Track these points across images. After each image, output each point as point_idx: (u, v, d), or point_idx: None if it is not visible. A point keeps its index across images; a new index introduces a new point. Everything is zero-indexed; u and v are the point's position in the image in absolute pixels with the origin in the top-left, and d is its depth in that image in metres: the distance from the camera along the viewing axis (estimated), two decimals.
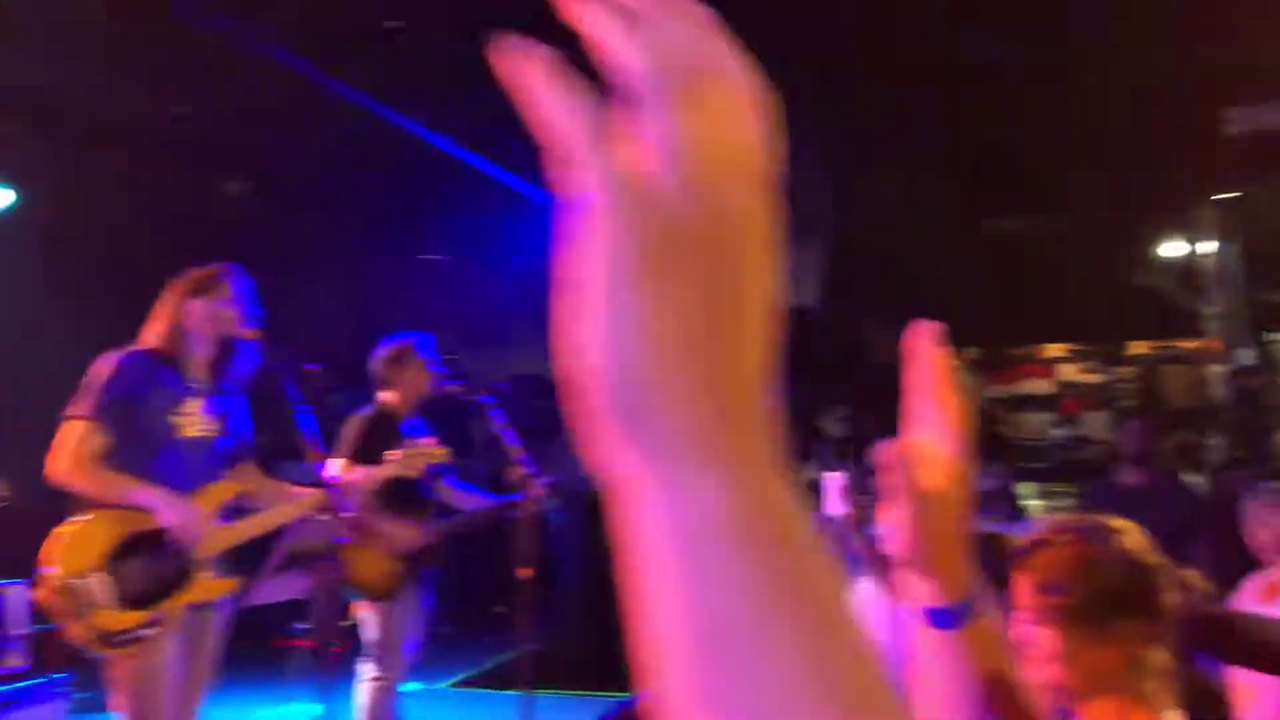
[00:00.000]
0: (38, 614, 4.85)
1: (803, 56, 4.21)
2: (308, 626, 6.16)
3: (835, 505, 3.55)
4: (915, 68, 5.02)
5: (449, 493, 4.13)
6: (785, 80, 0.52)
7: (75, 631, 2.78)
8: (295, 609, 3.73)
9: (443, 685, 5.13)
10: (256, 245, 5.89)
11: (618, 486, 0.39)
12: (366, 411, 3.96)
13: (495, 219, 7.28)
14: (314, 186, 7.01)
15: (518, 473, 3.81)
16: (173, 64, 5.41)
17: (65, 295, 6.11)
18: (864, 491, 3.57)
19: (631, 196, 0.40)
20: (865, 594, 3.47)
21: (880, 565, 3.41)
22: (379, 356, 4.04)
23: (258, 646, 3.27)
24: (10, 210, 5.87)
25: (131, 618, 2.83)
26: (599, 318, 0.39)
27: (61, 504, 2.91)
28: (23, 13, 4.71)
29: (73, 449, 2.88)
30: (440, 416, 4.23)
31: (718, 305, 0.39)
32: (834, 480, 3.57)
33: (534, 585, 3.69)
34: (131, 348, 3.06)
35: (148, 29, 4.97)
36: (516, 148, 6.84)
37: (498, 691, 4.94)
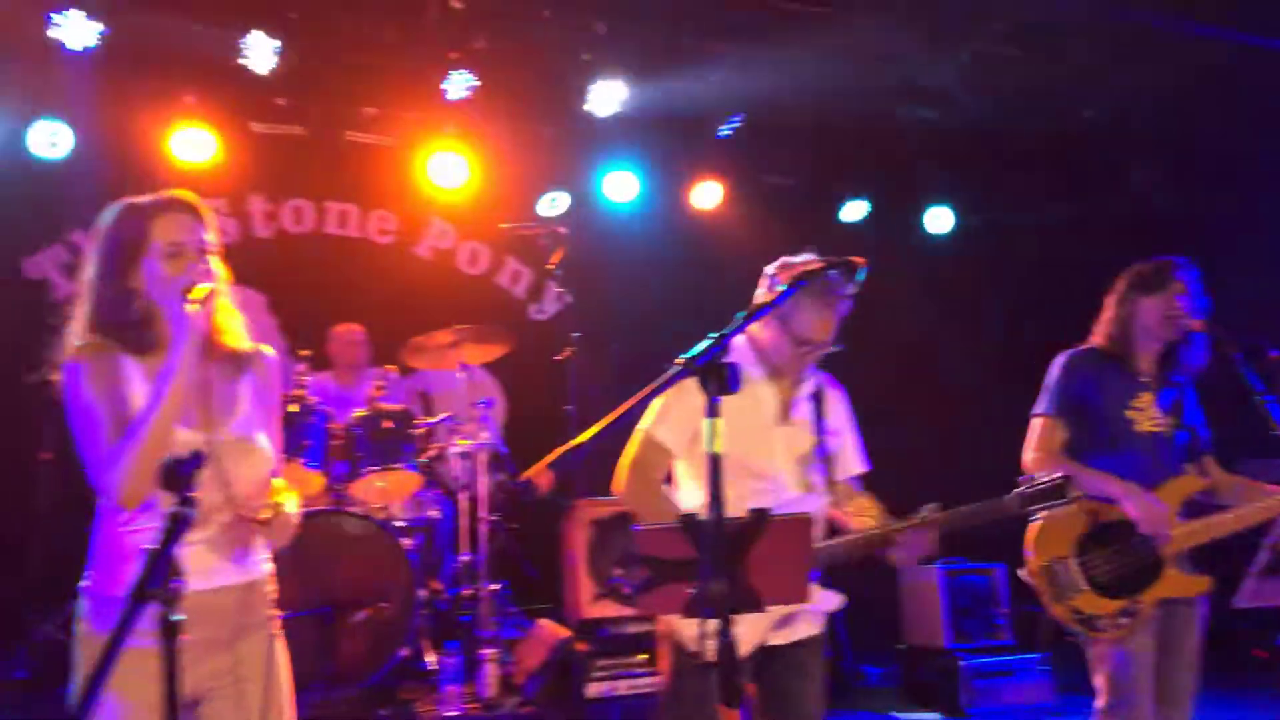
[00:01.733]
0: (1018, 595, 5.35)
1: None
2: None
3: None
4: None
5: None
6: None
7: (1056, 611, 3.00)
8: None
9: None
10: (1169, 232, 5.62)
11: None
12: None
13: None
14: (1235, 160, 6.37)
15: None
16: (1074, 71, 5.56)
17: (1001, 299, 6.74)
18: None
19: None
20: None
21: None
22: None
23: (1233, 654, 3.04)
24: (953, 232, 6.78)
25: (1106, 604, 2.93)
26: None
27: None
28: None
29: (1037, 444, 3.13)
30: None
31: None
32: None
33: None
34: (1080, 345, 3.21)
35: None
36: None
37: None
